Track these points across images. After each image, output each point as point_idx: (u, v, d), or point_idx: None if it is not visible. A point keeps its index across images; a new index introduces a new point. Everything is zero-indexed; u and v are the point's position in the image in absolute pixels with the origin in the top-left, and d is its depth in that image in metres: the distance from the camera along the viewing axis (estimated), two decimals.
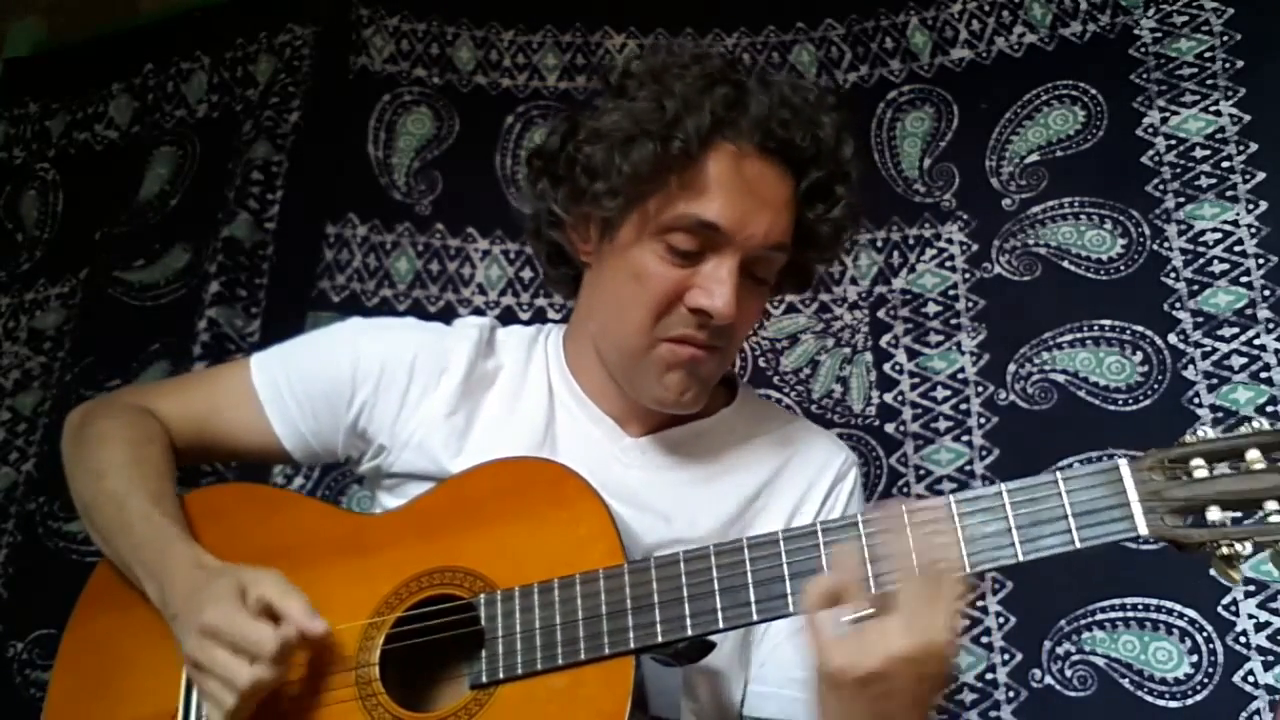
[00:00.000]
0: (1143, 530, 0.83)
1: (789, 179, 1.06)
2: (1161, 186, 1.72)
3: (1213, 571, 0.82)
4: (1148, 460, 0.84)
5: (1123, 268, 1.70)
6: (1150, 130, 1.75)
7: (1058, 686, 1.51)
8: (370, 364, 1.13)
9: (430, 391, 1.12)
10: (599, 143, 1.04)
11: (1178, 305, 1.64)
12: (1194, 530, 0.82)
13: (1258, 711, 1.41)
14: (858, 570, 0.84)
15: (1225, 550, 0.80)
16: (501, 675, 0.94)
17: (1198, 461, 0.83)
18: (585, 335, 1.15)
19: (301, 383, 1.14)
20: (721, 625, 0.90)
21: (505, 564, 0.97)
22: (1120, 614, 1.50)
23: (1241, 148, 1.69)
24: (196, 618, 0.94)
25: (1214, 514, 0.81)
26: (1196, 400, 1.58)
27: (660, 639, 0.91)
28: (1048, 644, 1.53)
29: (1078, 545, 0.84)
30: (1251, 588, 1.46)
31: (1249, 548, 0.80)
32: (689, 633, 0.90)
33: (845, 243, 1.15)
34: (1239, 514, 0.82)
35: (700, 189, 1.02)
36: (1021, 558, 0.84)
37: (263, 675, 0.92)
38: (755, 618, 0.90)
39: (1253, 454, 0.82)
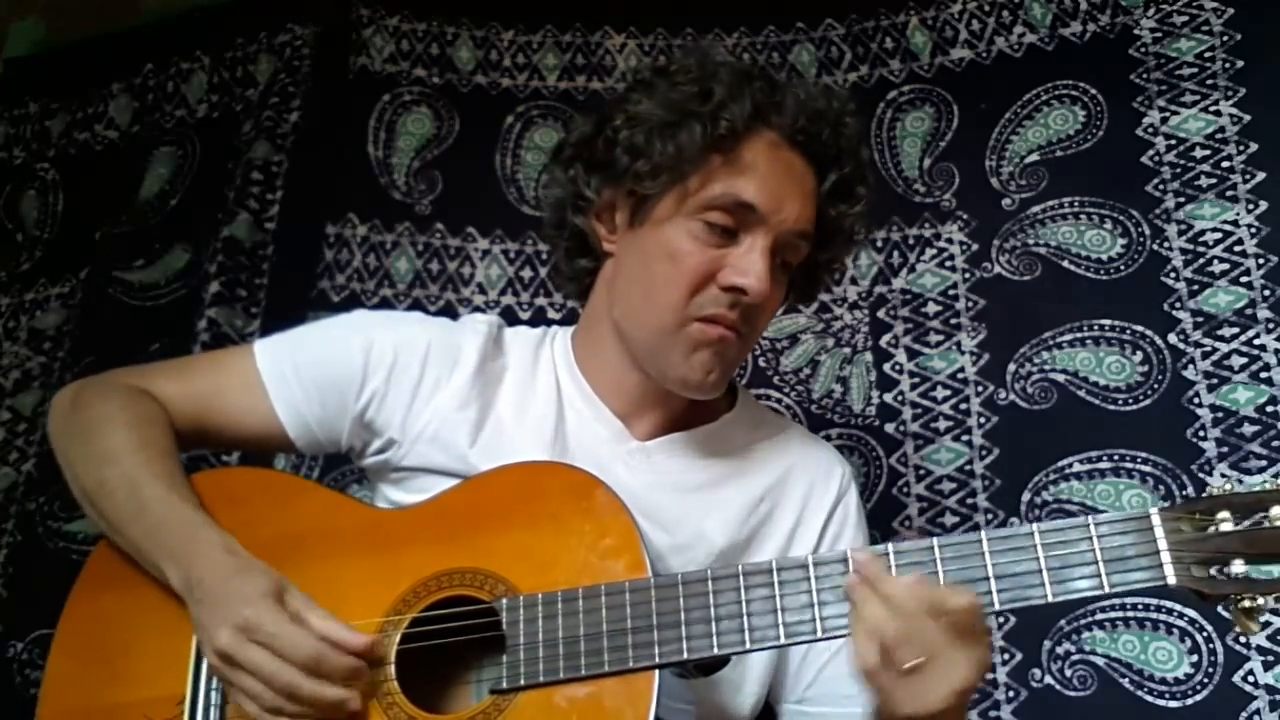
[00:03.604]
0: (1171, 580, 0.85)
1: (813, 173, 1.11)
2: (1161, 186, 1.71)
3: (1231, 620, 0.85)
4: (1177, 510, 0.86)
5: (1123, 268, 1.70)
6: (1150, 130, 1.75)
7: (1058, 686, 1.51)
8: (383, 353, 1.13)
9: (443, 384, 1.12)
10: (639, 126, 1.09)
11: (1178, 305, 1.64)
12: (1218, 583, 0.84)
13: (1258, 711, 1.41)
14: (888, 622, 0.86)
15: (1247, 603, 0.83)
16: (523, 681, 0.93)
17: (1224, 514, 0.85)
18: (601, 327, 1.15)
19: (309, 369, 1.13)
20: (749, 646, 0.91)
21: (527, 569, 0.97)
22: (1120, 614, 1.50)
23: (1241, 148, 1.69)
24: (233, 612, 0.93)
25: (1238, 567, 0.83)
26: (1196, 400, 1.58)
27: (686, 656, 0.91)
28: (1048, 643, 1.53)
29: (1107, 590, 0.86)
30: None
31: (1271, 601, 0.82)
32: (715, 652, 0.91)
33: (857, 246, 1.18)
34: (1262, 566, 0.84)
35: (738, 170, 1.06)
36: (1051, 599, 0.86)
37: (300, 681, 0.91)
38: (783, 641, 0.91)
39: (1276, 510, 0.84)
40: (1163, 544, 0.85)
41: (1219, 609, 0.87)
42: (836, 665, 1.09)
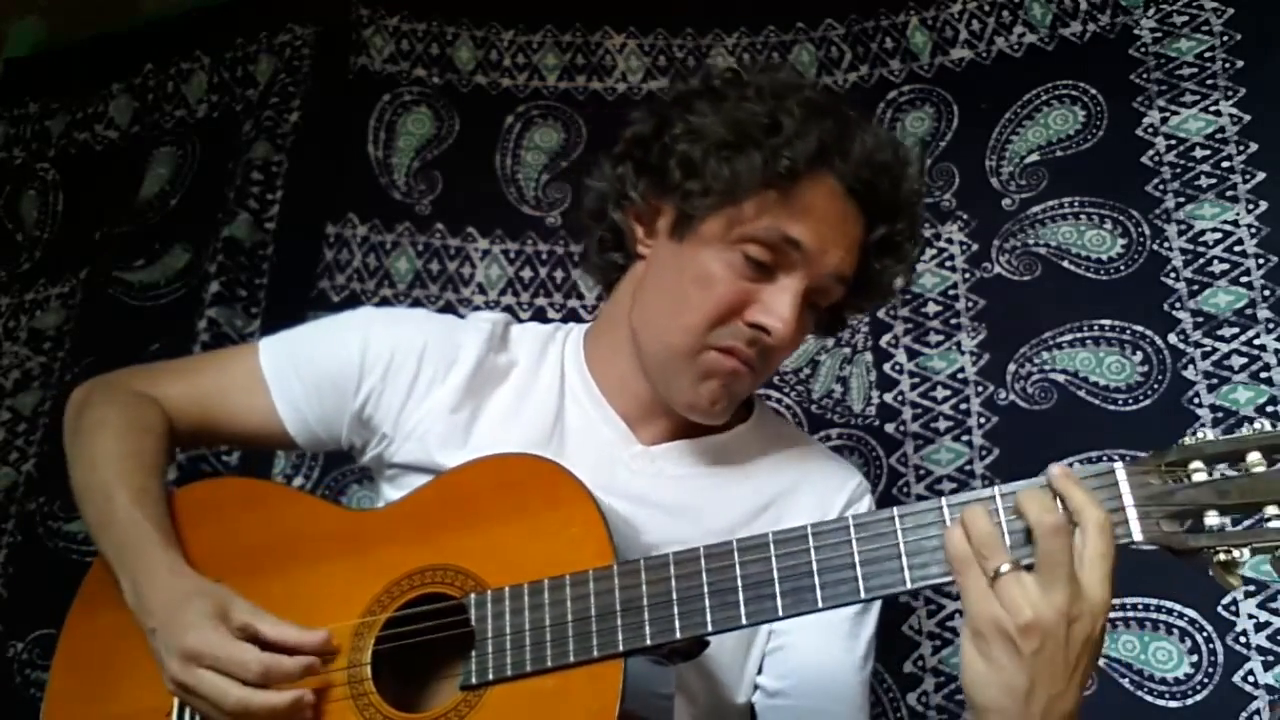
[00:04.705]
0: (1137, 536, 0.81)
1: (862, 222, 1.08)
2: (1161, 186, 1.72)
3: (1212, 576, 0.80)
4: (1145, 464, 0.82)
5: (1123, 268, 1.70)
6: (1150, 130, 1.75)
7: None
8: (380, 351, 1.13)
9: (438, 383, 1.12)
10: (698, 142, 1.05)
11: (1178, 305, 1.64)
12: (1191, 535, 0.79)
13: (1258, 711, 1.41)
14: (991, 525, 0.80)
15: (1223, 556, 0.78)
16: (491, 676, 0.93)
17: (1196, 464, 0.81)
18: (619, 330, 1.14)
19: (310, 368, 1.14)
20: (710, 628, 0.90)
21: (496, 563, 0.97)
22: (1120, 614, 1.50)
23: (1241, 148, 1.68)
24: (177, 640, 0.95)
25: (1212, 519, 0.79)
26: (1196, 400, 1.58)
27: (649, 641, 0.90)
28: None
29: None
30: (1251, 587, 1.46)
31: (1247, 553, 0.78)
32: (678, 635, 0.90)
33: (895, 295, 1.15)
34: (1238, 518, 0.79)
35: (793, 209, 1.03)
36: (1022, 561, 0.83)
37: (250, 697, 0.92)
38: (744, 621, 0.89)
39: (1253, 456, 0.79)
40: (1128, 499, 0.81)
41: (1194, 566, 0.81)
42: (818, 659, 1.08)
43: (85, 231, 2.17)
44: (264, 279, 1.95)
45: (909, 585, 0.85)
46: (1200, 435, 0.82)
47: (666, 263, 1.09)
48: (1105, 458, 1.59)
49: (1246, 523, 0.79)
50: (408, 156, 2.02)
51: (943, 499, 0.85)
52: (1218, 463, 0.81)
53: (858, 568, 0.86)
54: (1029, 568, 0.79)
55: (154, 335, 1.97)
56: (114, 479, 1.07)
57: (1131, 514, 0.81)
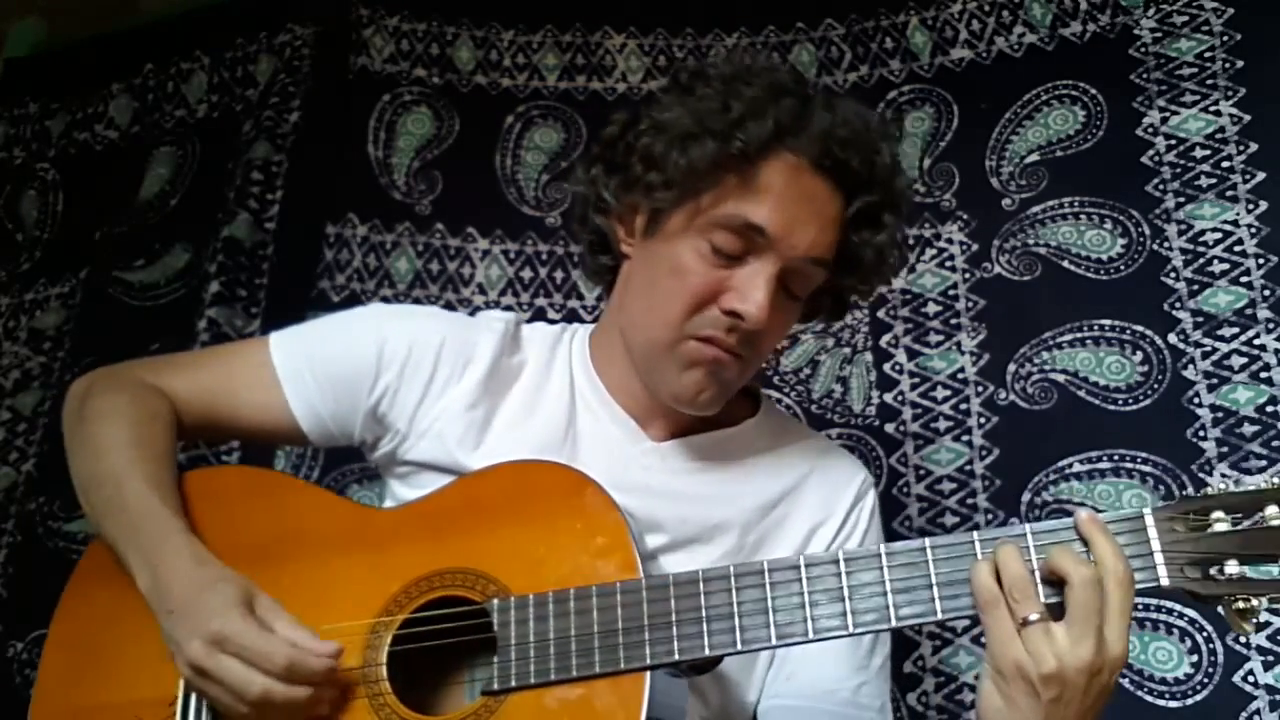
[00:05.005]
0: (1164, 581, 0.84)
1: (839, 198, 1.07)
2: (1161, 186, 1.72)
3: (1224, 619, 0.84)
4: (1170, 510, 0.86)
5: (1123, 267, 1.70)
6: (1150, 130, 1.75)
7: None
8: (397, 348, 1.12)
9: (454, 382, 1.12)
10: (659, 135, 1.06)
11: (1178, 305, 1.64)
12: (1211, 583, 0.83)
13: (1258, 711, 1.41)
14: (1024, 570, 0.84)
15: (1240, 604, 0.82)
16: (514, 683, 0.93)
17: (1218, 514, 0.84)
18: (615, 329, 1.15)
19: (324, 364, 1.13)
20: (740, 648, 0.90)
21: (518, 569, 0.97)
22: None
23: (1241, 148, 1.69)
24: (203, 624, 0.93)
25: (1232, 567, 0.83)
26: (1196, 400, 1.58)
27: (677, 657, 0.91)
28: None
29: None
30: None
31: (1264, 603, 0.82)
32: (707, 653, 0.91)
33: (888, 273, 1.14)
34: (1256, 567, 0.83)
35: (753, 192, 1.03)
36: (1044, 601, 0.85)
37: (274, 687, 0.92)
38: (774, 641, 0.90)
39: (1271, 509, 0.83)
40: (1156, 544, 0.85)
41: (1217, 609, 0.85)
42: (820, 658, 1.08)
43: (85, 231, 2.17)
44: (264, 279, 1.95)
45: (939, 615, 0.87)
46: (1222, 485, 0.86)
47: (644, 261, 1.10)
48: (1105, 458, 1.59)
49: (1264, 572, 0.83)
50: (408, 156, 2.02)
51: (975, 534, 0.88)
52: (1238, 512, 0.85)
53: (889, 595, 0.88)
54: (1050, 606, 0.83)
55: (154, 335, 1.96)
56: (125, 466, 1.05)
57: (1159, 559, 0.85)
